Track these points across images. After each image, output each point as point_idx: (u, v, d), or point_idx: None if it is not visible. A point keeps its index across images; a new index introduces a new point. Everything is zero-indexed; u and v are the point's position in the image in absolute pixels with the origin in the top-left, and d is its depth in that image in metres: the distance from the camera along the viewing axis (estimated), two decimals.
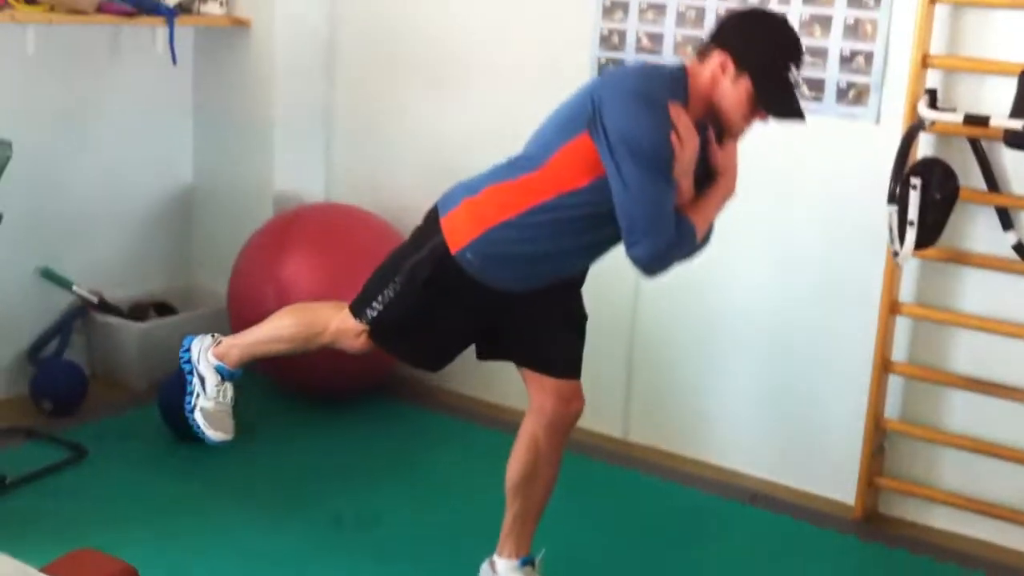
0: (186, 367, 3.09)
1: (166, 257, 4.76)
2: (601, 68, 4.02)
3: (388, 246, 4.29)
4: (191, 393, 3.07)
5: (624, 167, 2.57)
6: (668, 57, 3.87)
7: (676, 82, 2.67)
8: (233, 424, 3.07)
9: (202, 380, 3.05)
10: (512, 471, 2.99)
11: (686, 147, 2.60)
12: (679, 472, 3.94)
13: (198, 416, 3.04)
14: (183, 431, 3.90)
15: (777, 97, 2.66)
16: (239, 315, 4.27)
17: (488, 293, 2.80)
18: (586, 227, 2.71)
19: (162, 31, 4.37)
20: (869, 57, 3.54)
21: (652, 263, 2.65)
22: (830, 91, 3.62)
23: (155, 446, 3.92)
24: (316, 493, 3.65)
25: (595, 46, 4.02)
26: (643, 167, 2.56)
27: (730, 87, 2.65)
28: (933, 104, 3.37)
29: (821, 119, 3.62)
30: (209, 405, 3.04)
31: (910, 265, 3.53)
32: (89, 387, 4.21)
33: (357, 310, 2.88)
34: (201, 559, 3.22)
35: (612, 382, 4.10)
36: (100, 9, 4.05)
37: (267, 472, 3.81)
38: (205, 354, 3.06)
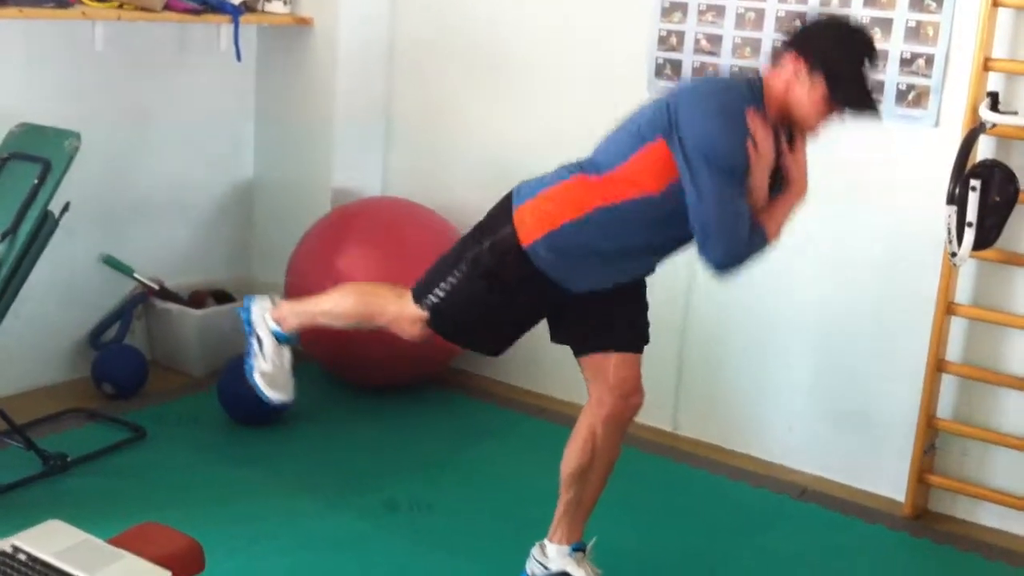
0: (247, 329, 3.15)
1: (226, 248, 4.85)
2: (659, 69, 4.05)
3: (444, 242, 4.35)
4: (250, 355, 3.13)
5: (700, 175, 2.62)
6: (726, 58, 3.90)
7: (753, 90, 2.71)
8: (293, 385, 3.12)
9: (260, 343, 3.11)
10: (568, 461, 3.02)
11: (762, 155, 2.65)
12: (728, 466, 3.97)
13: (258, 378, 3.10)
14: (242, 417, 4.00)
15: (851, 92, 2.69)
16: None
17: (552, 287, 2.83)
18: (659, 228, 2.75)
19: (227, 29, 4.46)
20: (930, 60, 3.56)
21: (725, 266, 2.70)
22: (890, 93, 3.63)
23: (213, 430, 4.00)
24: (371, 479, 3.71)
25: (653, 46, 4.06)
26: (718, 175, 2.61)
27: (805, 90, 2.68)
28: (995, 107, 3.38)
29: (880, 122, 3.64)
30: (268, 367, 3.10)
31: (967, 266, 3.54)
32: (149, 372, 4.29)
33: (419, 295, 2.92)
34: (259, 539, 3.28)
35: (663, 376, 4.13)
36: (167, 7, 4.13)
37: (323, 458, 3.87)
38: (264, 317, 3.12)
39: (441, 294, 2.87)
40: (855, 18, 2.85)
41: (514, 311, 2.90)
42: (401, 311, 2.94)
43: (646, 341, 2.99)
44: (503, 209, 2.86)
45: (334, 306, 3.08)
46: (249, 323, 3.15)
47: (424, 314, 2.90)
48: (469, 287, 2.84)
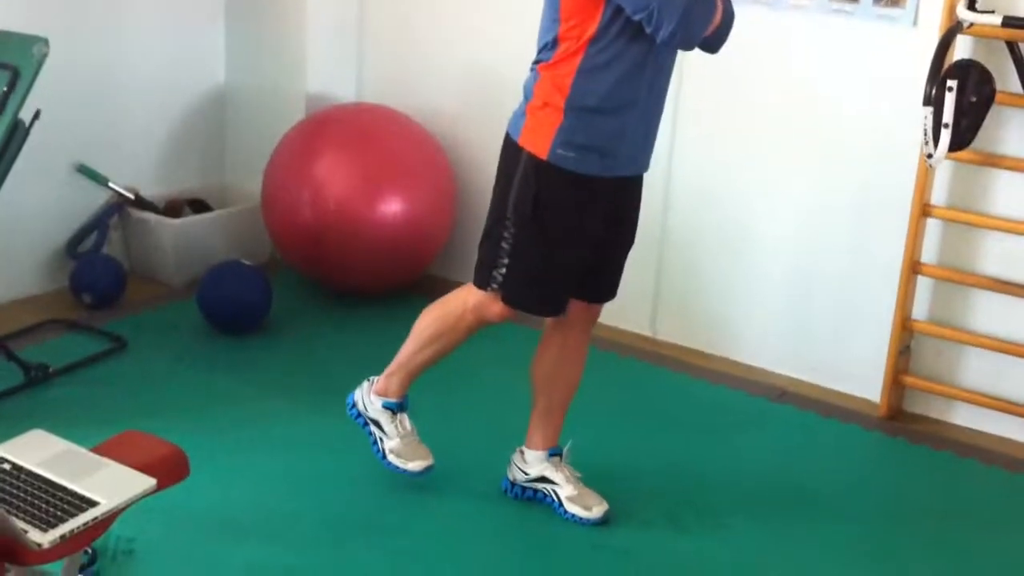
0: (359, 421, 3.14)
1: (200, 156, 4.80)
2: None
3: (419, 147, 4.38)
4: (375, 442, 3.11)
5: None
6: None
7: None
8: (427, 449, 3.10)
9: (378, 424, 3.10)
10: (537, 367, 3.07)
11: None
12: (707, 370, 4.01)
13: (392, 458, 3.08)
14: (221, 324, 4.01)
15: None
16: (272, 212, 4.33)
17: (587, 199, 2.79)
18: (633, 65, 2.69)
19: None
20: None
21: (683, 32, 2.60)
22: None
23: (193, 339, 4.01)
24: (348, 384, 3.67)
25: None
26: None
27: None
28: (972, 6, 3.36)
29: (858, 22, 3.62)
30: (396, 443, 3.09)
31: (943, 168, 3.55)
32: (127, 281, 4.28)
33: (482, 281, 2.89)
34: (241, 444, 3.32)
35: (642, 282, 4.14)
36: None
37: (302, 363, 3.90)
38: (368, 398, 3.11)
39: (504, 262, 2.84)
40: None
41: (570, 238, 2.83)
42: (477, 299, 2.92)
43: (614, 292, 3.03)
44: (509, 148, 2.83)
45: (419, 340, 3.04)
46: (359, 415, 3.13)
47: (497, 292, 2.87)
48: (523, 237, 2.80)
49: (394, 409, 3.10)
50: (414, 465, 3.08)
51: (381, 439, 3.11)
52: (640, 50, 2.68)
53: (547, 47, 2.74)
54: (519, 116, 2.83)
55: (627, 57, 2.69)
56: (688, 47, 2.70)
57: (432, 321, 3.03)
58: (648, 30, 2.62)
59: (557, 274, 2.86)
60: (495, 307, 2.90)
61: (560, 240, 2.82)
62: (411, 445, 3.10)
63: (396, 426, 3.10)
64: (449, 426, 3.51)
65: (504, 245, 2.83)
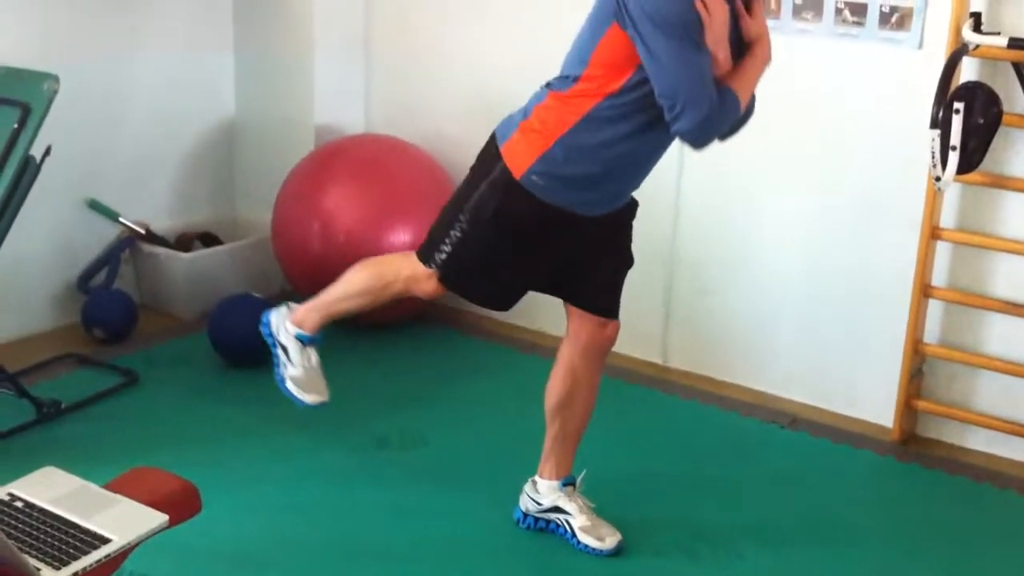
0: (268, 340, 3.15)
1: (210, 189, 4.82)
2: None
3: (428, 176, 4.39)
4: (279, 365, 3.13)
5: (652, 41, 2.55)
6: None
7: None
8: (325, 386, 3.12)
9: (286, 350, 3.11)
10: (550, 395, 3.06)
11: (714, 14, 2.57)
12: (718, 396, 4.00)
13: (290, 385, 3.10)
14: (231, 358, 4.02)
15: None
16: (282, 244, 4.35)
17: (554, 222, 2.80)
18: (640, 126, 2.69)
19: None
20: None
21: (698, 133, 2.62)
22: (872, 16, 3.60)
23: (204, 372, 4.01)
24: (361, 416, 3.73)
25: None
26: (670, 36, 2.54)
27: None
28: (977, 28, 3.36)
29: (863, 44, 3.63)
30: (298, 372, 3.10)
31: (951, 190, 3.55)
32: (138, 316, 4.30)
33: (425, 256, 2.90)
34: (254, 478, 3.32)
35: (651, 308, 4.15)
36: None
37: None
38: (283, 324, 3.12)
39: (448, 249, 2.85)
40: None
41: (520, 254, 2.86)
42: (413, 271, 2.92)
43: (616, 310, 3.01)
44: (489, 151, 2.84)
45: (348, 288, 3.06)
46: (270, 335, 3.14)
47: (435, 271, 2.88)
48: (474, 235, 2.82)
49: (305, 341, 3.11)
50: (309, 397, 3.09)
51: (286, 365, 3.12)
52: (651, 120, 2.68)
53: (567, 79, 2.73)
54: (510, 125, 2.81)
55: (636, 120, 2.69)
56: (697, 148, 2.71)
57: (366, 276, 3.04)
58: (666, 116, 2.62)
59: (496, 278, 2.91)
60: (429, 284, 2.91)
61: (508, 252, 2.84)
62: (312, 379, 3.11)
63: (303, 357, 3.11)
64: (461, 456, 3.51)
65: (454, 233, 2.84)
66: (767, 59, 2.76)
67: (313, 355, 3.12)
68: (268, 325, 3.16)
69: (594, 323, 2.97)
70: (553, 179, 2.74)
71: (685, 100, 2.57)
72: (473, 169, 2.88)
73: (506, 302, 3.01)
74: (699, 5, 2.55)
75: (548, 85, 2.78)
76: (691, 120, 2.59)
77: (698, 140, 2.65)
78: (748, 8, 2.72)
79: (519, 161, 2.76)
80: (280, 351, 3.13)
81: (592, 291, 2.98)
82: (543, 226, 2.81)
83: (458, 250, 2.84)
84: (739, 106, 2.67)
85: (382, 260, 3.10)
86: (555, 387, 3.05)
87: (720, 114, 2.63)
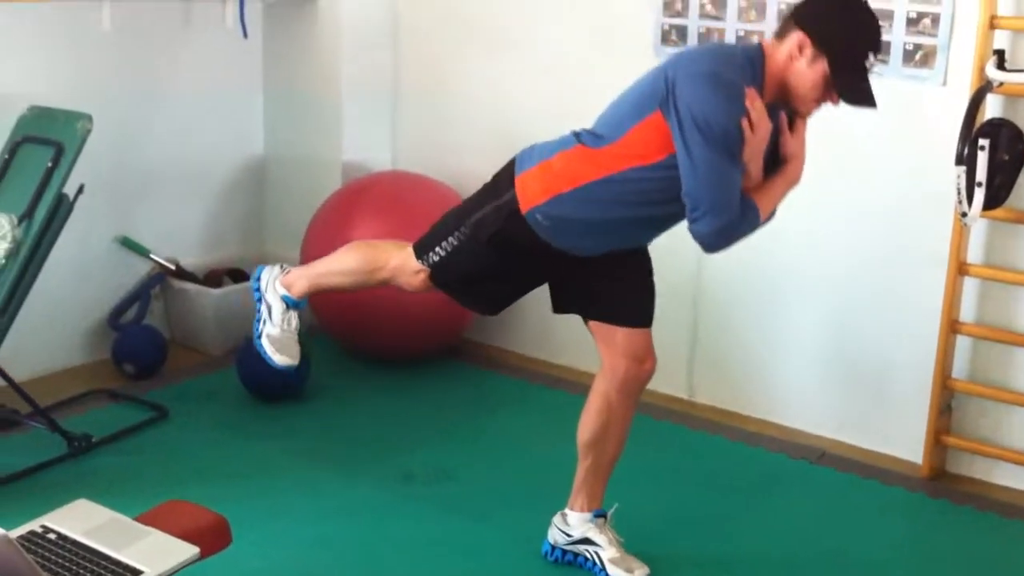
0: (255, 295, 3.19)
1: (239, 225, 4.88)
2: (664, 35, 4.05)
3: None
4: (259, 320, 3.16)
5: (693, 147, 2.61)
6: (731, 22, 3.90)
7: (752, 64, 2.69)
8: (299, 351, 3.15)
9: (269, 308, 3.14)
10: (584, 429, 3.05)
11: (757, 133, 2.64)
12: (745, 432, 3.99)
13: (265, 342, 3.12)
14: (260, 393, 4.05)
15: (852, 83, 2.66)
16: None
17: (553, 253, 2.86)
18: (655, 201, 2.76)
19: (232, 5, 4.49)
20: (936, 19, 3.55)
21: (714, 241, 2.71)
22: (896, 53, 3.63)
23: (234, 407, 4.04)
24: (388, 451, 3.75)
25: (658, 12, 4.05)
26: (712, 148, 2.61)
27: (806, 68, 2.66)
28: (1001, 65, 3.37)
29: (888, 82, 3.64)
30: (275, 332, 3.12)
31: (978, 226, 3.54)
32: (168, 351, 4.34)
33: (420, 251, 2.96)
34: (282, 512, 3.33)
35: (677, 343, 4.15)
36: None
37: (340, 431, 3.91)
38: (273, 283, 3.15)
39: (442, 253, 2.91)
40: (866, 2, 2.74)
41: (514, 274, 2.96)
42: (403, 263, 2.99)
43: (650, 317, 3.00)
44: (506, 174, 2.88)
45: (339, 264, 3.11)
46: (259, 290, 3.18)
47: (425, 268, 2.95)
48: (470, 249, 2.88)
49: (290, 304, 3.13)
50: (279, 358, 3.10)
51: (265, 321, 3.14)
52: (671, 199, 2.72)
53: (600, 139, 2.77)
54: (531, 157, 2.86)
55: (657, 195, 2.74)
56: (709, 251, 2.78)
57: (358, 256, 3.09)
58: (686, 214, 2.69)
59: (484, 289, 2.98)
60: (417, 279, 2.97)
61: (499, 269, 2.91)
62: (287, 341, 3.12)
63: (284, 319, 3.13)
64: (488, 490, 3.52)
65: (452, 240, 2.90)
66: (796, 181, 2.82)
67: (294, 319, 3.15)
68: (259, 280, 3.19)
69: (630, 356, 2.95)
70: (557, 222, 2.80)
71: (708, 207, 2.64)
72: (487, 186, 2.94)
73: (493, 309, 3.10)
74: (745, 123, 2.61)
75: (578, 136, 2.81)
76: (709, 226, 2.67)
77: (712, 246, 2.73)
78: (791, 124, 2.78)
79: (529, 196, 2.80)
80: (264, 307, 3.16)
81: (614, 302, 2.98)
82: (538, 255, 2.87)
83: (452, 257, 2.90)
84: (759, 221, 2.75)
85: (376, 244, 3.16)
86: (589, 422, 3.04)
87: (739, 226, 2.70)
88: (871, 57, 2.67)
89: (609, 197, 2.75)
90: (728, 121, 2.61)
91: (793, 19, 2.71)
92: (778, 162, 2.80)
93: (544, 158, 2.83)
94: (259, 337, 3.14)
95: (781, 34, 2.72)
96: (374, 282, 3.09)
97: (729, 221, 2.67)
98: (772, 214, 2.81)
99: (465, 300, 3.10)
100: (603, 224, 2.81)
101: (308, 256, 4.37)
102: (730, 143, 2.62)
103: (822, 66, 2.64)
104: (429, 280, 2.96)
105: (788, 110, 2.77)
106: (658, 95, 2.66)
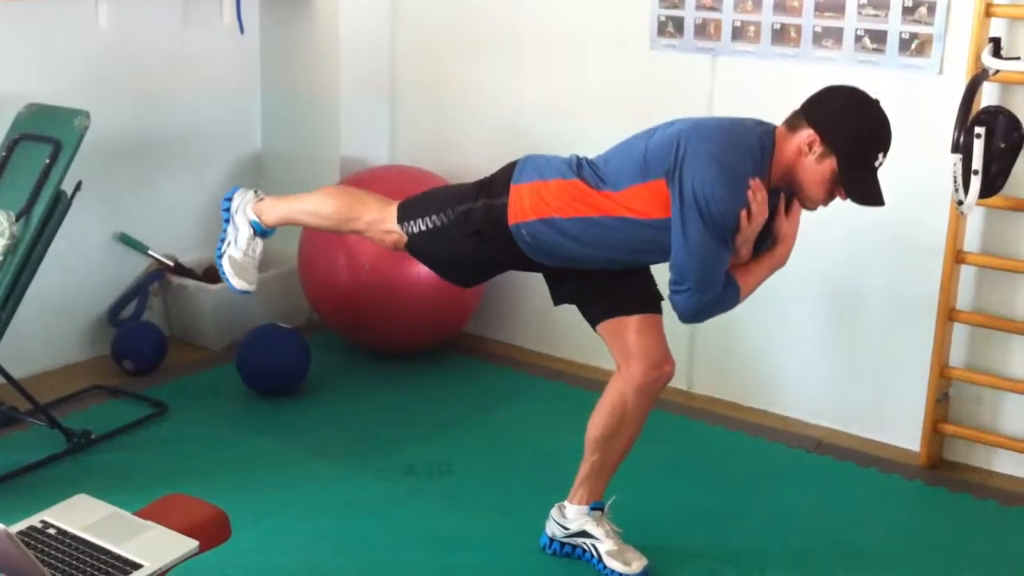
0: (224, 215, 3.18)
1: None
2: (661, 27, 4.04)
3: None
4: (223, 240, 3.16)
5: (690, 226, 2.65)
6: (728, 13, 3.89)
7: (762, 150, 2.70)
8: (256, 276, 3.16)
9: (236, 231, 3.15)
10: (595, 425, 3.00)
11: (753, 223, 2.68)
12: (744, 422, 4.00)
13: (225, 263, 3.13)
14: (260, 388, 4.05)
15: (861, 184, 2.68)
16: (309, 276, 4.39)
17: (527, 263, 2.92)
18: (640, 250, 2.82)
19: (229, 2, 4.48)
20: (932, 7, 3.55)
21: (692, 316, 2.77)
22: (892, 43, 3.63)
23: (233, 402, 4.05)
24: (389, 444, 3.76)
25: (655, 4, 4.05)
26: (707, 231, 2.65)
27: (814, 164, 2.68)
28: (997, 53, 3.38)
29: (884, 71, 3.64)
30: (238, 255, 3.13)
31: (974, 214, 3.55)
32: (168, 347, 4.34)
33: (403, 215, 2.96)
34: (282, 506, 3.34)
35: (675, 334, 4.09)
36: None
37: (341, 425, 3.92)
38: (245, 208, 3.15)
39: (423, 227, 2.92)
40: (875, 98, 2.74)
41: (489, 264, 3.01)
42: (381, 219, 2.99)
43: (658, 301, 2.99)
44: (505, 177, 2.89)
45: (317, 206, 3.10)
46: (228, 211, 3.18)
47: (403, 234, 2.95)
48: (452, 235, 2.90)
49: (258, 231, 3.14)
50: (237, 282, 3.12)
51: (230, 243, 3.14)
52: (658, 250, 2.77)
53: (601, 183, 2.79)
54: (531, 170, 2.86)
55: (640, 248, 2.80)
56: (684, 321, 2.83)
57: (338, 203, 3.07)
58: (669, 284, 2.74)
59: (456, 268, 3.02)
60: (391, 238, 2.98)
61: (473, 258, 2.94)
62: (247, 267, 3.14)
63: (249, 246, 3.13)
64: (488, 483, 3.52)
65: (436, 218, 2.91)
66: (782, 263, 2.87)
67: (259, 246, 3.16)
68: (230, 201, 3.19)
69: (648, 362, 2.92)
70: (540, 243, 2.83)
71: (694, 284, 2.70)
72: (485, 180, 2.94)
73: (466, 284, 3.16)
74: (743, 214, 2.65)
75: (580, 169, 2.83)
76: (689, 302, 2.73)
77: (688, 319, 2.79)
78: (788, 207, 2.81)
79: (518, 210, 2.82)
80: (231, 229, 3.16)
81: (616, 293, 2.97)
82: (519, 259, 2.91)
83: (433, 235, 2.91)
84: (737, 301, 2.80)
85: (359, 195, 3.12)
86: (601, 419, 2.99)
87: (717, 305, 2.76)
88: (881, 157, 2.68)
89: (596, 236, 2.79)
90: (728, 209, 2.64)
91: (804, 115, 2.71)
92: (767, 238, 2.83)
93: (542, 178, 2.84)
94: (220, 257, 3.14)
95: (792, 126, 2.72)
96: (346, 230, 3.11)
97: (711, 299, 2.73)
98: (750, 294, 2.85)
99: (438, 271, 3.10)
100: (584, 258, 2.85)
101: (306, 253, 4.38)
102: (726, 230, 2.67)
103: (831, 164, 2.66)
104: (407, 249, 2.98)
105: (788, 194, 2.80)
106: (665, 164, 2.69)
